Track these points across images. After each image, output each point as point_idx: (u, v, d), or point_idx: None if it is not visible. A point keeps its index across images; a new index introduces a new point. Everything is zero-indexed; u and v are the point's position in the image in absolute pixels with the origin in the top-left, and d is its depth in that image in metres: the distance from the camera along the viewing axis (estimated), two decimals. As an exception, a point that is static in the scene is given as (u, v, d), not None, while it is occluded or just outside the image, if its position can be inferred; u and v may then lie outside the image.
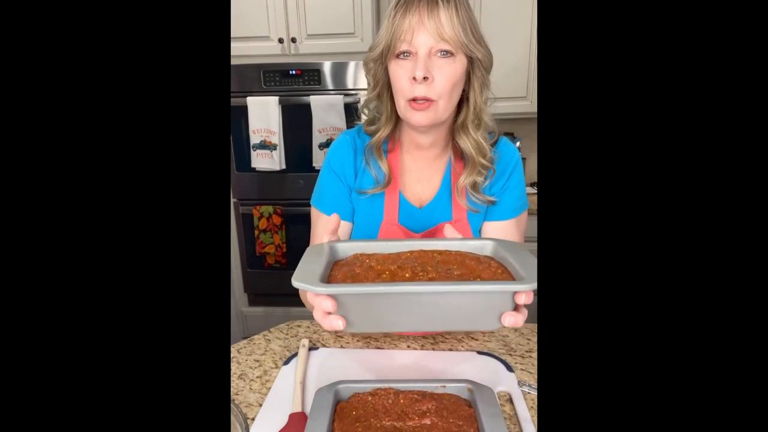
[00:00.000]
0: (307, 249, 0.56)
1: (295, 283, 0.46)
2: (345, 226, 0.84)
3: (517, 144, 2.27)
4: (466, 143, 0.78)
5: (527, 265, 0.49)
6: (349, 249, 0.57)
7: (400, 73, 0.70)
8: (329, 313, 0.47)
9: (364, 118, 0.85)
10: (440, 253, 0.55)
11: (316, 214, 0.86)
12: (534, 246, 1.91)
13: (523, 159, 2.30)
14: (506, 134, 2.32)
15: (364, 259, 0.54)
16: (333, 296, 0.46)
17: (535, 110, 1.99)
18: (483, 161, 0.78)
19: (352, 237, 0.84)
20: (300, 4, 1.87)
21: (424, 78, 0.68)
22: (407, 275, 0.50)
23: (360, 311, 0.48)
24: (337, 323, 0.46)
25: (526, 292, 0.46)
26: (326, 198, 0.84)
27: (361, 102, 0.83)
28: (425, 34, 0.67)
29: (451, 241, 0.59)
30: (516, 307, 0.47)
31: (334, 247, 0.57)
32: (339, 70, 1.88)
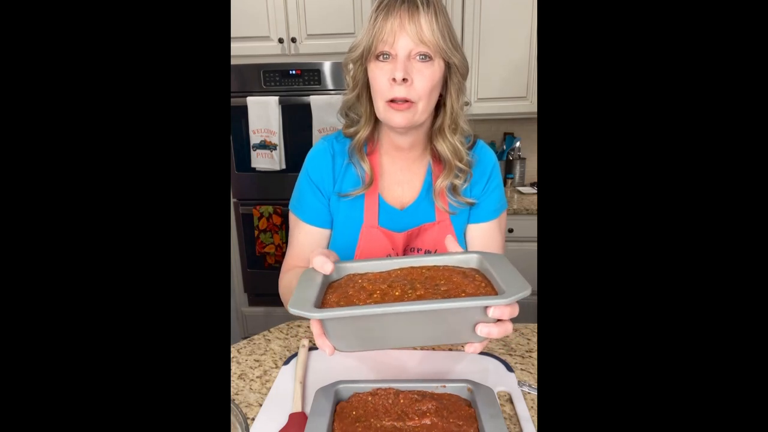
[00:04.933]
0: (303, 273, 0.59)
1: (291, 309, 0.50)
2: (324, 233, 0.86)
3: (517, 144, 2.27)
4: (443, 147, 0.80)
5: (509, 278, 0.52)
6: (342, 270, 0.61)
7: (379, 74, 0.72)
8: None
9: (342, 121, 0.86)
10: (428, 269, 0.59)
11: (294, 219, 0.88)
12: (534, 246, 1.91)
13: (523, 159, 2.31)
14: (506, 134, 2.32)
15: (357, 279, 0.58)
16: (320, 320, 0.50)
17: (535, 110, 1.98)
18: (459, 164, 0.80)
19: (333, 240, 0.86)
20: (300, 4, 1.87)
21: (404, 80, 0.69)
22: (397, 293, 0.54)
23: (346, 333, 0.52)
24: (327, 346, 0.52)
25: (500, 306, 0.49)
26: (304, 206, 0.86)
27: (340, 105, 0.84)
28: (406, 38, 0.69)
29: (438, 256, 0.62)
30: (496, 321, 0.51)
31: None
32: (339, 70, 1.88)
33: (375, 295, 0.53)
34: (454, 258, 0.62)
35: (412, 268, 0.59)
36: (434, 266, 0.59)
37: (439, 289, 0.53)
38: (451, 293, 0.53)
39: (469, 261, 0.61)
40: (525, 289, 0.49)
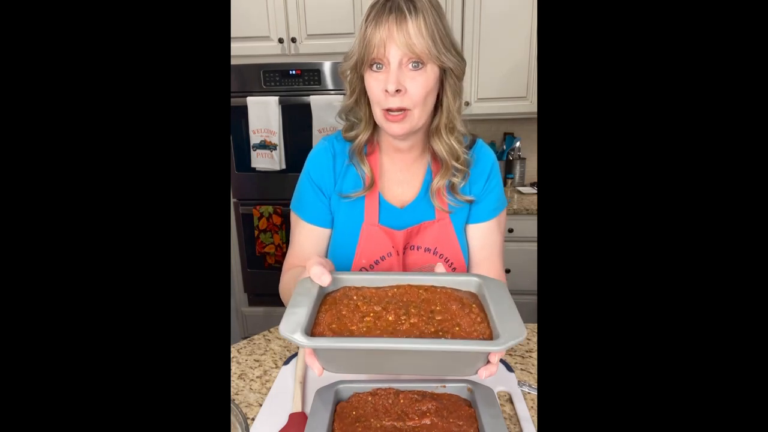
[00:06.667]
0: (298, 284, 0.59)
1: (283, 333, 0.50)
2: (324, 233, 0.87)
3: (517, 144, 2.27)
4: (439, 147, 0.80)
5: (506, 318, 0.52)
6: (339, 281, 0.61)
7: (374, 84, 0.72)
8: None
9: (342, 123, 0.87)
10: (426, 289, 0.58)
11: (295, 218, 0.89)
12: (534, 246, 1.91)
13: (523, 159, 2.31)
14: (506, 134, 2.32)
15: (352, 295, 0.58)
16: (313, 349, 0.51)
17: (535, 110, 1.98)
18: (456, 164, 0.81)
19: (334, 238, 0.87)
20: (300, 4, 1.87)
21: (397, 90, 0.69)
22: (390, 318, 0.54)
23: (335, 359, 0.54)
24: (316, 367, 0.53)
25: (497, 352, 0.50)
26: (305, 205, 0.86)
27: (339, 108, 0.85)
28: (395, 48, 0.69)
29: (438, 276, 0.62)
30: (488, 361, 0.52)
31: None
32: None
33: (367, 318, 0.54)
34: (453, 279, 0.61)
35: (410, 286, 0.59)
36: (432, 287, 0.59)
37: (434, 318, 0.53)
38: (445, 324, 0.53)
39: (469, 284, 0.61)
40: (520, 335, 0.48)
